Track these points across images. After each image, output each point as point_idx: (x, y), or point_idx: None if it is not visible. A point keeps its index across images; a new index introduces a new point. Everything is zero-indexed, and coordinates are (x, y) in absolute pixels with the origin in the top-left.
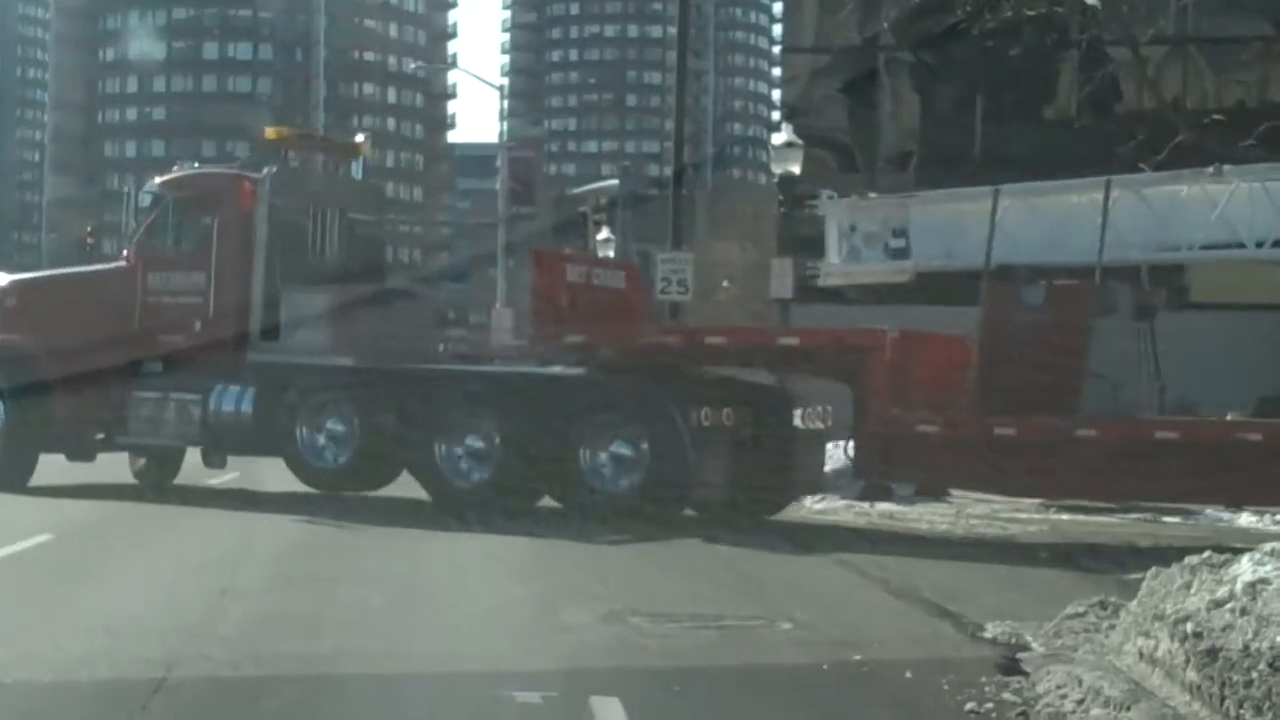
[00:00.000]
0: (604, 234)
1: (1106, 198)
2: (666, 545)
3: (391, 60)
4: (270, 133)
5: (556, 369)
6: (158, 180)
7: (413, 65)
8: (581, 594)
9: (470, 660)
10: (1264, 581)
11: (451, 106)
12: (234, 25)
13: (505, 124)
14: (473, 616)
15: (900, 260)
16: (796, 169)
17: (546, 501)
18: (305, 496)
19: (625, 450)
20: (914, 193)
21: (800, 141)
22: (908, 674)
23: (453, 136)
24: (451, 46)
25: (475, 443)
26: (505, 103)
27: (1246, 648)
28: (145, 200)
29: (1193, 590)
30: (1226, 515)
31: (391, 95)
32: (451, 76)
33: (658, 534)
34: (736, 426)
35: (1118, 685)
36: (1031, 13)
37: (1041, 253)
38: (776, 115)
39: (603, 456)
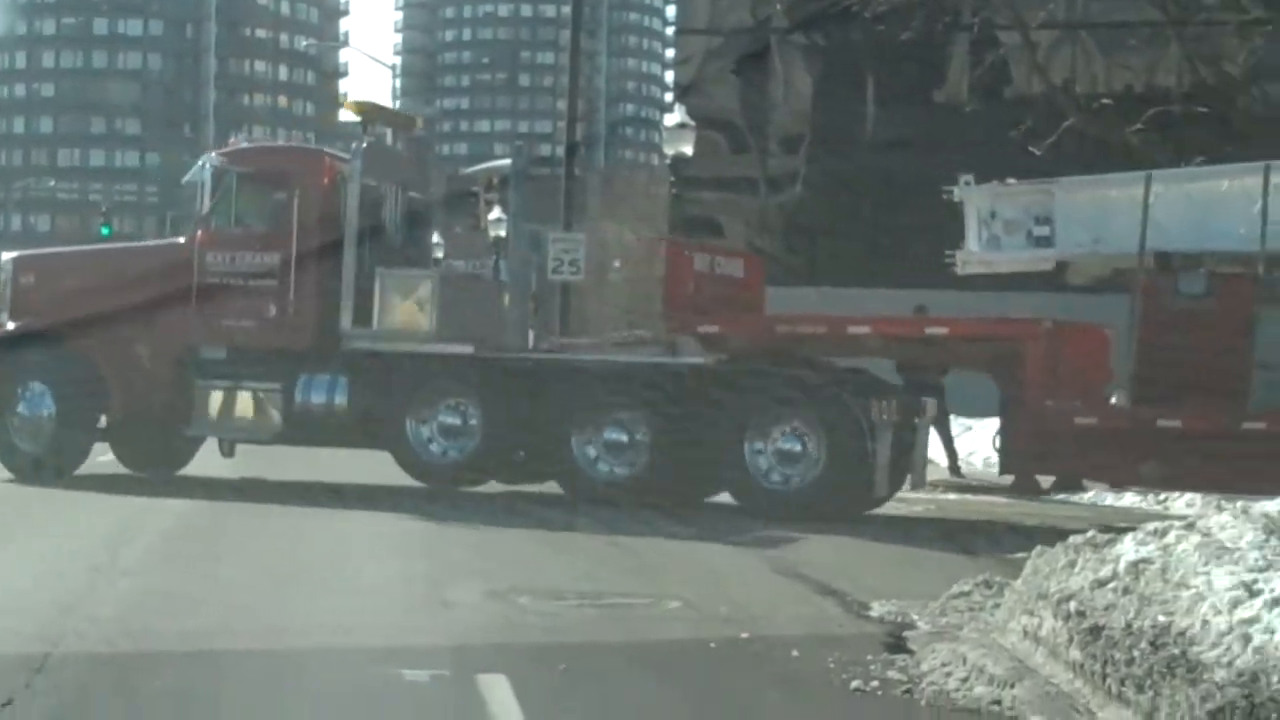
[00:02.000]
0: (495, 213)
1: (1266, 183)
2: (552, 524)
3: (283, 37)
4: (350, 106)
5: (695, 359)
6: (220, 153)
7: (304, 43)
8: (468, 572)
9: (355, 636)
10: (1146, 561)
11: (343, 85)
12: (124, 1)
13: (398, 103)
14: (358, 593)
15: (1044, 248)
16: (688, 150)
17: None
18: (191, 477)
19: (793, 445)
20: (1058, 178)
21: (692, 123)
22: (794, 652)
23: (345, 115)
24: (344, 24)
25: (617, 436)
26: (397, 81)
27: (1129, 626)
28: (202, 175)
29: (1076, 569)
30: (1110, 496)
31: (283, 73)
32: (343, 54)
33: (545, 513)
34: (895, 420)
35: (1002, 663)
36: None
37: (1194, 240)
38: (669, 96)
39: (768, 451)
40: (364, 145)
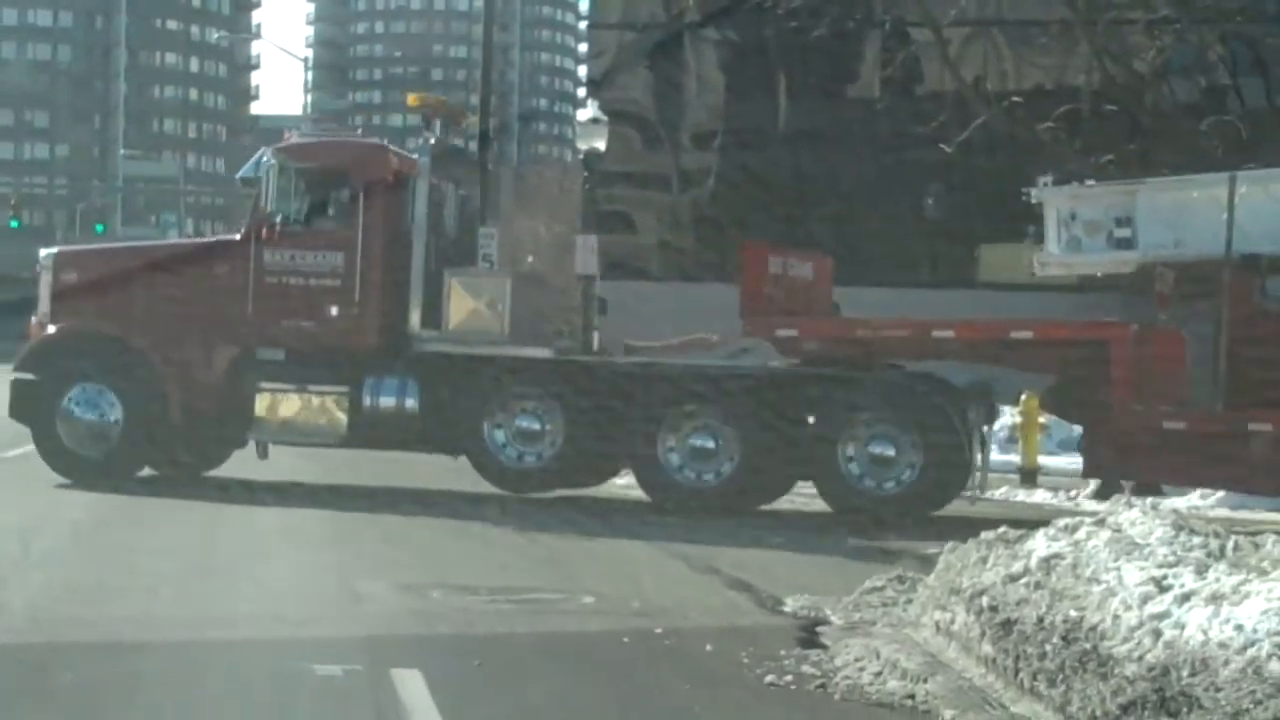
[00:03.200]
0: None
1: None
2: (469, 519)
3: (194, 29)
4: (413, 99)
5: (780, 364)
6: (277, 148)
7: (216, 35)
8: (382, 566)
9: (268, 630)
10: (1057, 556)
11: (255, 78)
12: None
13: (310, 96)
14: (271, 587)
15: (1125, 250)
16: (601, 145)
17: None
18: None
19: (886, 449)
20: (1141, 180)
21: (605, 118)
22: (708, 646)
23: (256, 108)
24: (255, 16)
25: (703, 442)
26: (310, 75)
27: (1040, 621)
28: (260, 170)
29: (988, 565)
30: (1021, 492)
31: (194, 65)
32: (255, 47)
33: (461, 508)
34: (981, 423)
35: (914, 658)
36: None
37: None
38: (582, 91)
39: (860, 455)
40: (430, 141)
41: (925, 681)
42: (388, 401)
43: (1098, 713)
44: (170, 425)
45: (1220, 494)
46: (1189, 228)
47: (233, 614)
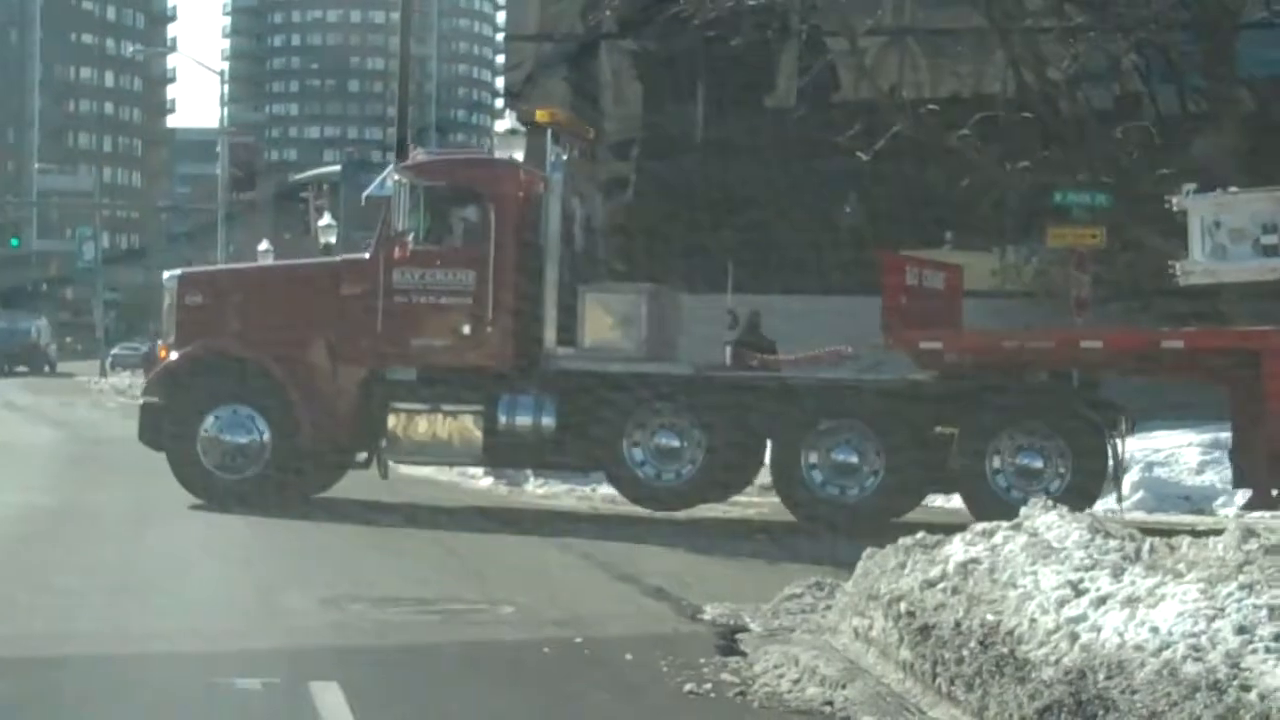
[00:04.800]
0: (326, 219)
1: None
2: (387, 531)
3: (109, 43)
4: (542, 114)
5: (921, 376)
6: (405, 166)
7: (131, 49)
8: (300, 580)
9: (187, 644)
10: (975, 561)
11: (171, 91)
12: None
13: (226, 109)
14: (190, 602)
15: (1273, 258)
16: (520, 155)
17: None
18: (21, 484)
19: (1034, 461)
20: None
21: (523, 128)
22: (628, 655)
23: (172, 121)
24: (171, 30)
25: (846, 457)
26: (226, 87)
27: (958, 626)
28: (387, 189)
29: (906, 570)
30: (941, 498)
31: (109, 79)
32: (171, 60)
33: (379, 520)
34: (1123, 434)
35: (834, 664)
36: (752, 3)
37: None
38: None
39: (1007, 468)
40: (562, 158)
41: (844, 688)
42: (524, 420)
43: (1015, 717)
44: (305, 447)
45: (1139, 496)
46: None
47: (153, 629)
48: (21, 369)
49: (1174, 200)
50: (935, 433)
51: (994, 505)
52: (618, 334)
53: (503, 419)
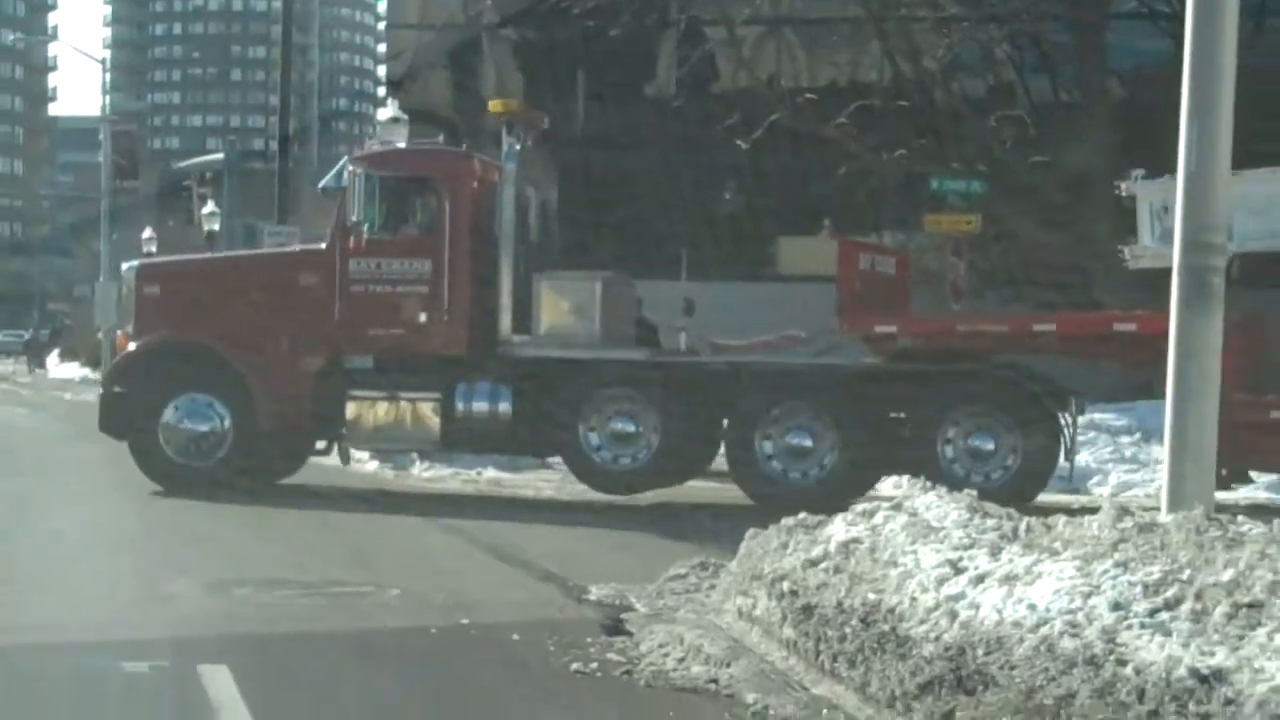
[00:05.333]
0: (209, 207)
1: None
2: (271, 514)
3: None
4: (496, 105)
5: (874, 360)
6: (358, 157)
7: (11, 37)
8: (185, 565)
9: (74, 632)
10: (856, 541)
11: (53, 79)
12: None
13: (108, 97)
14: (74, 590)
15: None
16: (402, 143)
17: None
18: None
19: (987, 443)
20: (1237, 172)
21: (405, 116)
22: (515, 636)
23: (54, 109)
24: (52, 18)
25: (801, 441)
26: (108, 76)
27: (840, 604)
28: (343, 180)
29: (789, 550)
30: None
31: None
32: (52, 49)
33: (259, 500)
34: (1074, 418)
35: (718, 643)
36: None
37: None
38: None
39: (960, 448)
40: (515, 147)
41: (728, 666)
42: (481, 406)
43: (896, 692)
44: (263, 433)
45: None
46: None
47: (36, 619)
48: None
49: (1123, 186)
50: (889, 416)
51: (947, 486)
52: (572, 321)
53: (460, 406)
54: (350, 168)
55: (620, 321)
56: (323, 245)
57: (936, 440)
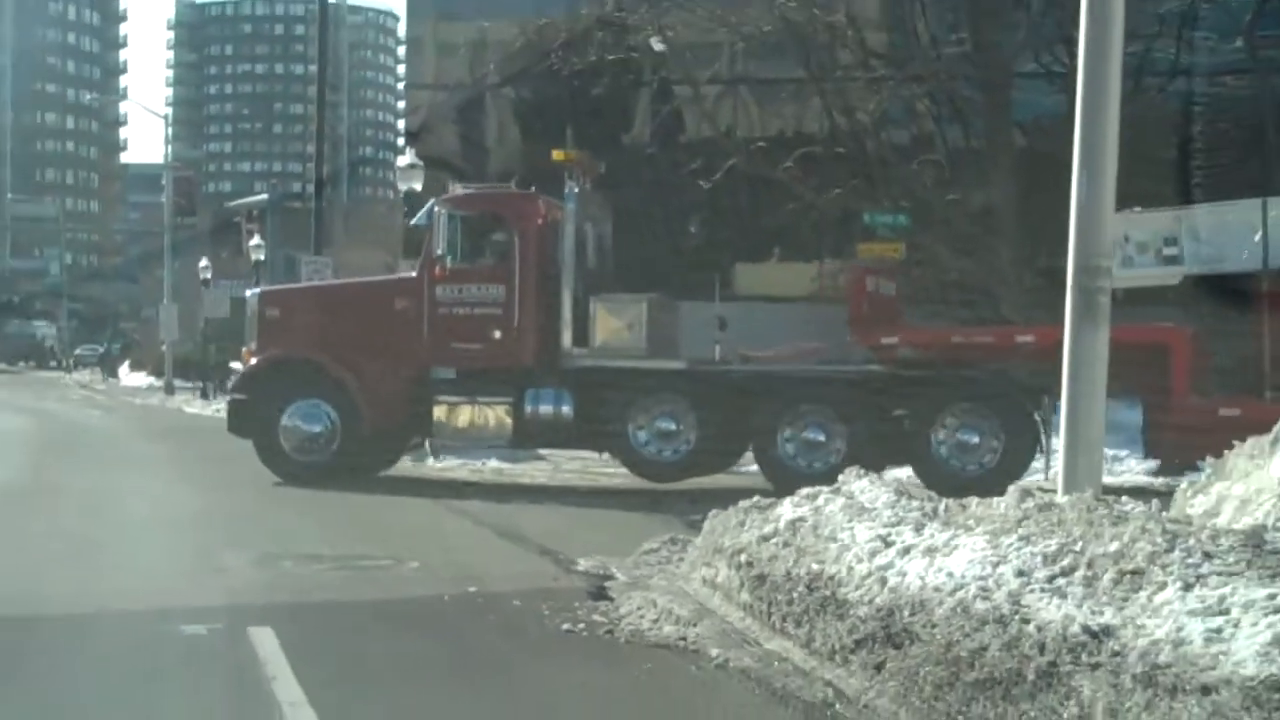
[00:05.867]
0: (255, 240)
1: None
2: (309, 497)
3: (70, 92)
4: (558, 154)
5: (879, 367)
6: (444, 199)
7: (88, 97)
8: (237, 542)
9: (142, 600)
10: (802, 520)
11: (123, 132)
12: None
13: (170, 147)
14: (143, 563)
15: (1173, 265)
16: (418, 186)
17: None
18: None
19: (971, 437)
20: (1186, 206)
21: (421, 163)
22: (515, 602)
23: (124, 157)
24: (123, 80)
25: (815, 436)
26: (170, 129)
27: (788, 574)
28: (429, 219)
29: (745, 528)
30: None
31: (70, 122)
32: (123, 107)
33: (300, 488)
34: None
35: (686, 606)
36: (611, 58)
37: None
38: (401, 141)
39: (949, 442)
40: (574, 190)
41: (695, 625)
42: (546, 409)
43: (836, 647)
44: (366, 433)
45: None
46: (1228, 245)
47: (110, 588)
48: (28, 363)
49: None
50: (890, 414)
51: (938, 475)
52: (623, 335)
53: (529, 409)
54: (436, 209)
55: (664, 335)
56: (413, 274)
57: (930, 435)
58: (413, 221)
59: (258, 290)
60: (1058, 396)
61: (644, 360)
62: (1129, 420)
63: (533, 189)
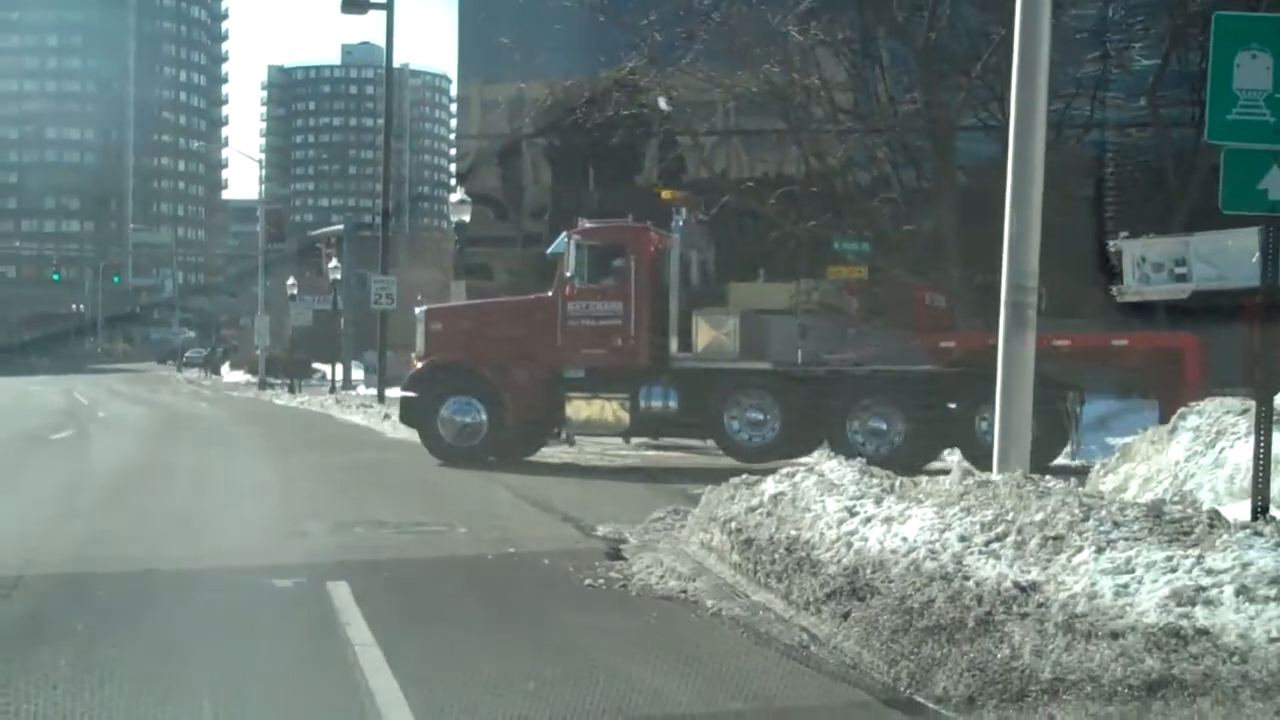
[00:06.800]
0: (333, 263)
1: None
2: (380, 473)
3: (181, 140)
4: (666, 193)
5: (932, 367)
6: (572, 231)
7: (195, 144)
8: (318, 510)
9: (240, 559)
10: (782, 494)
11: (224, 173)
12: (65, 113)
13: (263, 186)
14: (242, 526)
15: (1182, 283)
16: (467, 218)
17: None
18: (118, 447)
19: None
20: (1193, 233)
21: (469, 199)
22: (546, 561)
23: (225, 194)
24: (224, 131)
25: (878, 424)
26: (263, 171)
27: (771, 538)
28: (564, 248)
29: (735, 500)
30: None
31: (181, 165)
32: (224, 153)
33: (367, 465)
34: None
35: (686, 565)
36: (626, 113)
37: None
38: (454, 181)
39: (993, 428)
40: (682, 222)
41: (694, 581)
42: (657, 403)
43: (810, 599)
44: (510, 424)
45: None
46: (1230, 266)
47: (215, 548)
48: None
49: (1112, 243)
50: (943, 406)
51: (983, 457)
52: (720, 342)
53: (643, 403)
54: (568, 239)
55: (753, 341)
56: (549, 294)
57: (975, 423)
58: (548, 251)
59: (425, 308)
60: (1084, 391)
61: (737, 362)
62: (1150, 418)
63: (647, 223)
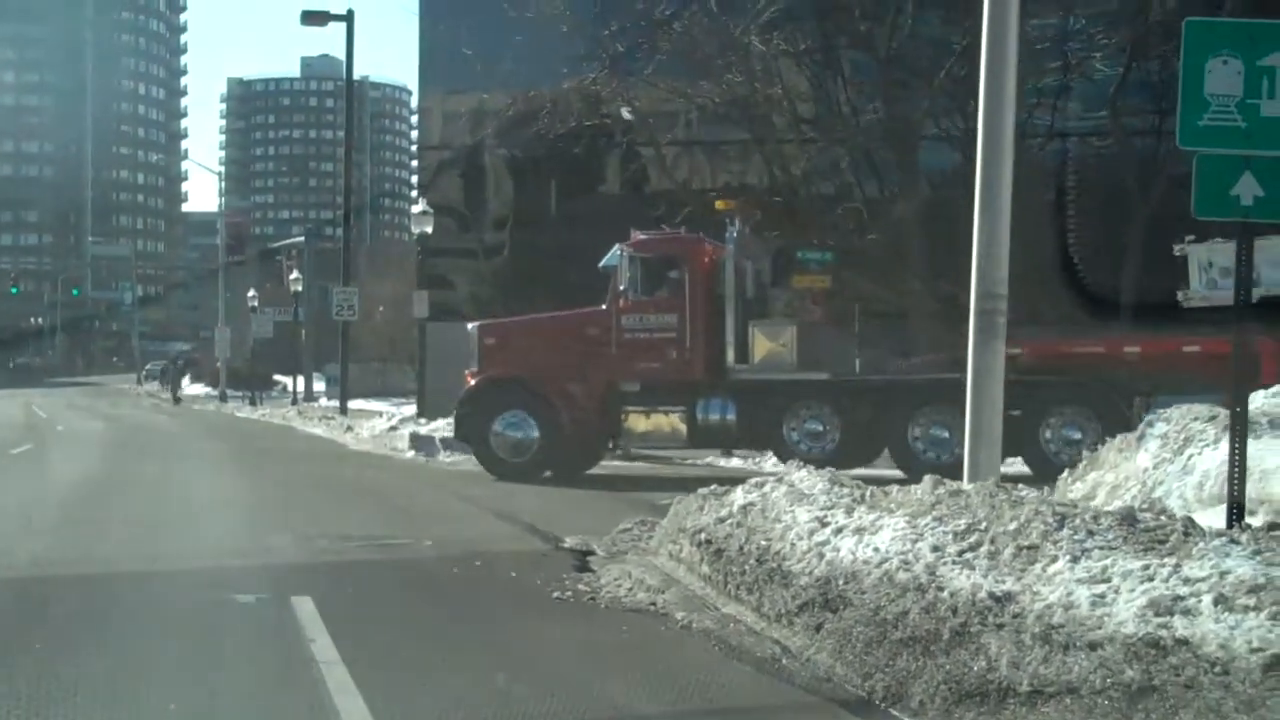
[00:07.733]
0: (295, 274)
1: None
2: (343, 486)
3: (140, 153)
4: (720, 204)
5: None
6: (625, 244)
7: (155, 156)
8: (281, 524)
9: (204, 575)
10: (751, 504)
11: (184, 186)
12: (26, 127)
13: (223, 198)
14: (204, 541)
15: (1252, 287)
16: (429, 229)
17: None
18: (81, 460)
19: (1073, 433)
20: (1263, 236)
21: (431, 210)
22: (513, 573)
23: (185, 207)
24: (183, 144)
25: (940, 433)
26: (223, 183)
27: (741, 549)
28: (618, 260)
29: (704, 511)
30: (722, 460)
31: (140, 178)
32: (184, 165)
33: (333, 477)
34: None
35: (655, 577)
36: (588, 123)
37: None
38: (415, 192)
39: (1055, 437)
40: (737, 233)
41: (663, 593)
42: (714, 416)
43: (782, 611)
44: (565, 439)
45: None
46: None
47: (177, 561)
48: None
49: (1177, 248)
50: (1008, 413)
51: (1046, 465)
52: (777, 353)
53: (700, 416)
54: (621, 252)
55: (810, 352)
56: (603, 306)
57: (1040, 430)
58: (600, 264)
59: (477, 324)
60: (1150, 398)
61: (795, 373)
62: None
63: (700, 234)
